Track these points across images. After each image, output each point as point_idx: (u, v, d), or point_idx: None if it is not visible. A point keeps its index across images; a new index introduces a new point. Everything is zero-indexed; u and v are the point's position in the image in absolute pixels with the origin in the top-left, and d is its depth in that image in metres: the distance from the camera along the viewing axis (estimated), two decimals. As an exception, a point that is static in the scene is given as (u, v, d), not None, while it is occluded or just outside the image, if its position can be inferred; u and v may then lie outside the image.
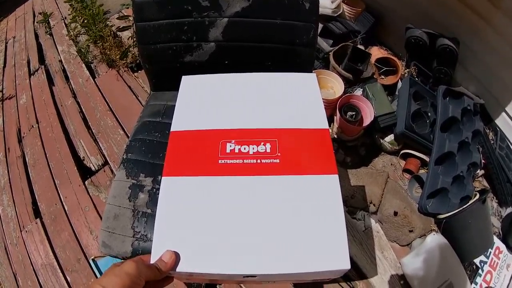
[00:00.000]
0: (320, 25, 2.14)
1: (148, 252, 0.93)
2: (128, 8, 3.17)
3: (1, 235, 2.13)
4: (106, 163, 2.20)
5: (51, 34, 3.48)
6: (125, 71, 2.68)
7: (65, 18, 3.56)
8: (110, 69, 2.76)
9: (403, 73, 2.26)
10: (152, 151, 1.13)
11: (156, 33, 1.16)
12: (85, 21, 2.97)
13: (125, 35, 2.87)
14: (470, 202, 1.75)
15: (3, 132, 2.74)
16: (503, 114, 2.00)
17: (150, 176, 1.08)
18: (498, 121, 2.06)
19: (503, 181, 1.93)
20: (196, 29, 1.13)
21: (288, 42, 1.11)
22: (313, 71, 1.91)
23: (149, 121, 1.20)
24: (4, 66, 3.47)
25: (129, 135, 2.12)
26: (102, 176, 2.13)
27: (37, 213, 2.12)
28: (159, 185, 1.00)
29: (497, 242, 1.81)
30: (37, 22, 3.78)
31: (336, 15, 2.35)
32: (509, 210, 1.91)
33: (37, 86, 2.95)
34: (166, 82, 1.27)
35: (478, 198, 1.75)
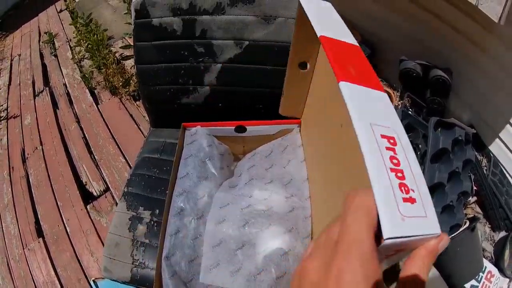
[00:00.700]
0: None
1: (146, 278, 1.06)
2: (131, 37, 3.15)
3: (3, 250, 2.22)
4: (107, 189, 2.28)
5: (55, 56, 3.59)
6: (127, 99, 2.76)
7: (70, 40, 3.66)
8: (113, 96, 2.83)
9: (396, 104, 2.34)
10: (151, 186, 1.23)
11: (155, 75, 1.26)
12: (89, 46, 3.06)
13: (128, 63, 2.94)
14: (459, 230, 1.81)
15: (7, 151, 2.85)
16: (497, 139, 2.05)
17: (148, 209, 1.18)
18: (491, 147, 2.11)
19: (495, 207, 2.00)
20: (192, 74, 1.23)
21: (278, 87, 1.20)
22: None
23: (148, 157, 1.31)
24: (9, 84, 3.59)
25: (129, 162, 2.30)
26: (104, 201, 2.22)
27: (39, 233, 2.21)
28: (157, 218, 1.15)
29: (489, 266, 1.86)
30: (42, 42, 3.90)
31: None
32: (501, 234, 1.97)
33: (42, 108, 3.05)
34: (165, 120, 1.37)
35: (466, 226, 1.82)
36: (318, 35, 0.58)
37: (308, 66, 0.85)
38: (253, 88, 1.24)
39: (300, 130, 1.04)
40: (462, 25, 1.89)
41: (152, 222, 1.16)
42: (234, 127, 1.03)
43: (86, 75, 3.06)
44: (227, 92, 1.25)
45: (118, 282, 1.12)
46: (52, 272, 2.01)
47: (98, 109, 2.81)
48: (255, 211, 0.84)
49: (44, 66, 3.56)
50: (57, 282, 1.97)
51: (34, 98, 3.21)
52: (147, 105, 1.36)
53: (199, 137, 1.03)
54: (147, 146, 1.37)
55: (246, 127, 1.03)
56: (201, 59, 1.22)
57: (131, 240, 1.14)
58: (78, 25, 3.26)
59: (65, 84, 3.19)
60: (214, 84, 1.24)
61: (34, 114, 3.04)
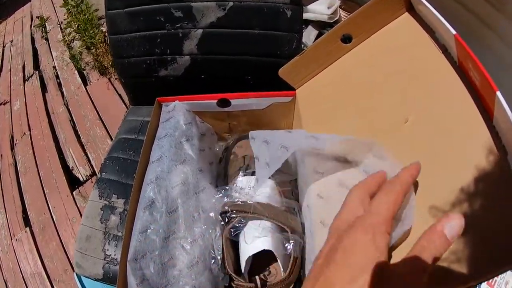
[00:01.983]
0: (315, 32, 2.06)
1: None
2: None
3: None
4: (94, 173, 2.15)
5: (46, 39, 3.43)
6: (116, 78, 2.61)
7: (61, 22, 3.49)
8: (102, 76, 2.69)
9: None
10: (126, 171, 1.07)
11: (129, 46, 1.09)
12: (79, 27, 2.91)
13: (118, 42, 2.76)
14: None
15: None
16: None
17: (122, 197, 1.02)
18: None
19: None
20: (169, 42, 1.06)
21: (268, 54, 1.03)
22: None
23: (125, 138, 1.14)
24: (0, 71, 3.43)
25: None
26: (90, 187, 2.08)
27: (26, 222, 2.09)
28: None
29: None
30: (34, 26, 3.73)
31: (332, 21, 2.26)
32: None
33: (31, 92, 2.91)
34: (143, 96, 1.20)
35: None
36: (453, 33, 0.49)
37: (352, 42, 0.72)
38: (240, 56, 1.06)
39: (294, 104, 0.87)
40: (473, 4, 1.71)
41: (126, 212, 0.98)
42: (216, 101, 0.85)
43: (75, 56, 2.91)
44: (209, 61, 1.07)
45: (91, 279, 0.96)
46: (39, 263, 1.89)
47: (87, 90, 2.66)
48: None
49: (35, 50, 3.40)
50: (43, 273, 1.85)
51: (24, 83, 3.06)
52: (123, 80, 1.18)
53: (176, 113, 0.86)
54: (124, 126, 1.20)
55: (230, 100, 0.85)
56: (179, 25, 1.04)
57: (103, 233, 0.98)
58: (69, 7, 3.07)
59: (54, 67, 3.04)
60: (195, 53, 1.06)
61: (23, 98, 2.89)
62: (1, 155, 2.56)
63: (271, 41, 1.02)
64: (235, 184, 0.76)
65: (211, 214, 0.69)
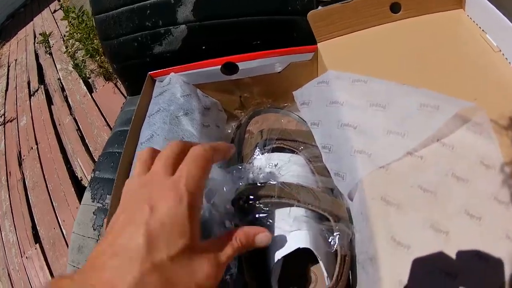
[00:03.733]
0: None
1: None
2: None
3: (3, 260, 1.98)
4: (102, 182, 1.96)
5: (50, 54, 3.29)
6: (122, 83, 2.43)
7: (64, 36, 3.34)
8: (107, 82, 2.54)
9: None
10: (122, 167, 0.86)
11: (116, 24, 0.89)
12: (81, 36, 2.75)
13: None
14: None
15: (5, 156, 2.57)
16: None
17: (118, 198, 0.82)
18: None
19: None
20: (161, 12, 0.86)
21: (278, 11, 0.81)
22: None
23: (121, 131, 0.94)
24: (7, 90, 3.30)
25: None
26: (98, 196, 1.90)
27: (36, 238, 1.95)
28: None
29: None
30: (37, 43, 3.61)
31: None
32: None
33: (37, 107, 2.78)
34: (139, 82, 0.99)
35: None
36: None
37: (401, 12, 0.63)
38: (244, 18, 0.84)
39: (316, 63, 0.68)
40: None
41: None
42: (220, 66, 0.66)
43: (79, 65, 2.77)
44: (209, 28, 0.85)
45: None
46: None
47: (92, 98, 2.50)
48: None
49: (39, 66, 3.26)
50: None
51: (30, 98, 2.93)
52: (115, 66, 0.98)
53: (172, 86, 0.67)
54: (120, 118, 1.01)
55: (238, 64, 0.66)
56: (170, -10, 0.83)
57: (96, 241, 0.78)
58: (70, 19, 2.92)
59: (59, 79, 2.89)
60: (191, 21, 0.84)
61: (30, 114, 2.76)
62: (10, 172, 2.43)
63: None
64: (251, 164, 0.56)
65: (220, 203, 0.48)
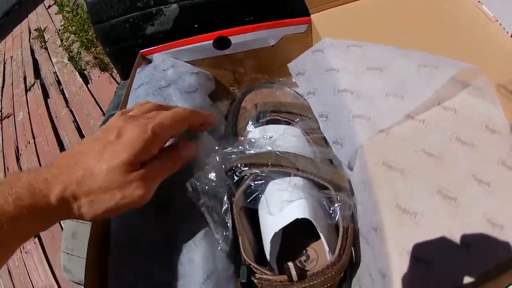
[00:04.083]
0: None
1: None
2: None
3: None
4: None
5: (46, 48, 3.28)
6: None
7: (59, 30, 3.32)
8: (103, 72, 2.54)
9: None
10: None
11: (108, 6, 0.86)
12: (76, 28, 2.74)
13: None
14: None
15: (2, 152, 2.56)
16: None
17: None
18: None
19: None
20: (152, -10, 0.83)
21: None
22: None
23: (112, 115, 0.91)
24: (3, 86, 3.29)
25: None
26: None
27: None
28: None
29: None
30: (32, 39, 3.59)
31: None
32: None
33: (33, 101, 2.77)
34: (132, 66, 0.96)
35: None
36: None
37: None
38: None
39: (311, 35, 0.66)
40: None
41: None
42: (212, 41, 0.64)
43: (74, 57, 2.77)
44: (201, 6, 0.82)
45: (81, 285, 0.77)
46: (50, 274, 1.71)
47: (88, 89, 2.50)
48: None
49: (35, 61, 3.25)
50: (55, 286, 1.67)
51: (26, 93, 2.92)
52: (107, 49, 0.95)
53: (154, 61, 0.65)
54: (112, 102, 0.99)
55: (230, 38, 0.63)
56: (161, -33, 0.81)
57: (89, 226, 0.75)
58: (64, 13, 2.90)
59: (55, 72, 2.89)
60: (182, -1, 0.82)
61: (27, 109, 2.76)
62: (7, 167, 2.42)
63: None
64: (245, 137, 0.53)
65: (215, 177, 0.46)
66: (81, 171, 0.36)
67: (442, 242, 0.36)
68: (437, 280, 0.35)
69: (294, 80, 0.60)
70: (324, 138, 0.52)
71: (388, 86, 0.46)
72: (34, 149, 2.34)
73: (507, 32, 0.50)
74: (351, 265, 0.45)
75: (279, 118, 0.56)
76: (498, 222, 0.36)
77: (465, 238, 0.36)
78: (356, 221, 0.45)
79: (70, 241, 0.78)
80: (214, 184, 0.45)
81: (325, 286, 0.40)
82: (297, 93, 0.63)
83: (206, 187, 0.44)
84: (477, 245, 0.35)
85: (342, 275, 0.42)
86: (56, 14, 3.03)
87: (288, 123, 0.56)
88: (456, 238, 0.36)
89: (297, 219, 0.41)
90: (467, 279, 0.34)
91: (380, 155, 0.41)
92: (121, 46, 0.92)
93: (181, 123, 0.43)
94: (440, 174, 0.39)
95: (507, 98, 0.44)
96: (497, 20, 0.52)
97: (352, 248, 0.45)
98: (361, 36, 0.55)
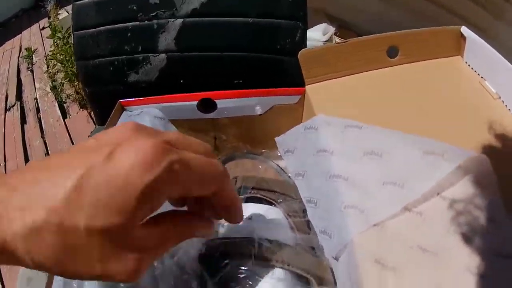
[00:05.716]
0: (332, 29, 1.87)
1: None
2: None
3: None
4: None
5: (32, 71, 3.22)
6: (97, 111, 2.37)
7: (48, 55, 3.27)
8: (82, 110, 2.49)
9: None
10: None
11: (94, 43, 0.82)
12: (63, 58, 2.71)
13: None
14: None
15: None
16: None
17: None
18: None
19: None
20: (142, 36, 0.78)
21: (265, 49, 0.75)
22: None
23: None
24: (-16, 99, 3.17)
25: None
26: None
27: None
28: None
29: None
30: (21, 57, 3.54)
31: (327, 47, 2.06)
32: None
33: (11, 122, 2.69)
34: (110, 112, 0.90)
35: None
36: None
37: (398, 57, 0.60)
38: (228, 53, 0.76)
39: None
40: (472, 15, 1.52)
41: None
42: (197, 102, 0.59)
43: (56, 87, 2.72)
44: (190, 60, 0.78)
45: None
46: None
47: (65, 123, 2.45)
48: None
49: (19, 81, 3.19)
50: None
51: (5, 112, 2.83)
52: (87, 90, 0.90)
53: (141, 118, 0.60)
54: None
55: (216, 101, 0.59)
56: (154, 14, 0.77)
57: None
58: (55, 39, 2.87)
59: (36, 99, 2.83)
60: (172, 50, 0.77)
61: (3, 129, 2.66)
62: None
63: (269, 31, 0.74)
64: (222, 218, 0.48)
65: (185, 260, 0.40)
66: (41, 213, 0.23)
67: None
68: None
69: (279, 155, 0.56)
70: (307, 222, 0.47)
71: (386, 173, 0.43)
72: (3, 172, 2.23)
73: (509, 109, 0.49)
74: None
75: (260, 196, 0.51)
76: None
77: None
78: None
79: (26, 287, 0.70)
80: (181, 270, 0.39)
81: None
82: (281, 169, 0.58)
83: (167, 273, 0.39)
84: None
85: None
86: (47, 38, 3.00)
87: (270, 203, 0.51)
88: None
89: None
90: None
91: (372, 251, 0.38)
92: (102, 89, 0.87)
93: (211, 180, 0.29)
94: (437, 271, 0.37)
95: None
96: (500, 97, 0.51)
97: None
98: (359, 113, 0.52)
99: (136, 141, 0.25)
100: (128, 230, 0.25)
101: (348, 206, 0.42)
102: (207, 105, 0.61)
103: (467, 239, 0.38)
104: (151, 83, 0.81)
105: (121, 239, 0.25)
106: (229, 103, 0.60)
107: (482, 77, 0.54)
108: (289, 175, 0.55)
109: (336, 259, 0.42)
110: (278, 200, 0.51)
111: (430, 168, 0.42)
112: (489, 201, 0.39)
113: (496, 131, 0.48)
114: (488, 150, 0.44)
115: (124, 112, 0.65)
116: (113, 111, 0.64)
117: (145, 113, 0.62)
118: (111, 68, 0.82)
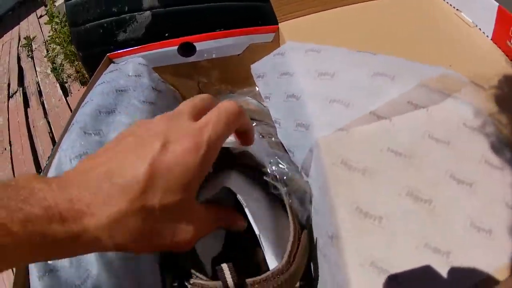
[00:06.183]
0: None
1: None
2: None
3: None
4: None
5: (32, 57, 3.25)
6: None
7: (47, 41, 3.29)
8: (83, 87, 2.51)
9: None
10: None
11: (84, 10, 0.86)
12: (62, 40, 2.73)
13: (101, 52, 2.59)
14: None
15: None
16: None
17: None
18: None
19: None
20: (128, -3, 0.82)
21: None
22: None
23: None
24: (-13, 90, 3.20)
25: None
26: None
27: None
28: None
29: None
30: (20, 47, 3.55)
31: None
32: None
33: (14, 108, 2.73)
34: (103, 73, 0.95)
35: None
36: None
37: None
38: (209, 4, 0.80)
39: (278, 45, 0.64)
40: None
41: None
42: (177, 47, 0.63)
43: (57, 68, 2.75)
44: (174, 15, 0.81)
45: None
46: None
47: (67, 102, 2.47)
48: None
49: (20, 69, 3.21)
50: None
51: (8, 100, 2.86)
52: (81, 54, 0.94)
53: (124, 66, 0.63)
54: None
55: (195, 44, 0.62)
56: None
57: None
58: (53, 24, 2.88)
59: (37, 82, 2.85)
60: (156, 6, 0.81)
61: (7, 115, 2.70)
62: (-19, 172, 2.34)
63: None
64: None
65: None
66: (122, 204, 0.27)
67: (414, 251, 0.33)
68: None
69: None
70: (280, 144, 0.50)
71: (334, 92, 0.44)
72: (9, 156, 2.29)
73: (487, 36, 0.51)
74: (310, 283, 0.43)
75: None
76: (484, 226, 0.33)
77: (443, 245, 0.32)
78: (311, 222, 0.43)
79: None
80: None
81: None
82: (261, 104, 0.61)
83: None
84: (460, 253, 0.32)
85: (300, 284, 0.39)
86: (45, 24, 3.01)
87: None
88: (432, 245, 0.33)
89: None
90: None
91: (338, 154, 0.39)
92: (94, 52, 0.91)
93: (235, 125, 0.34)
94: (410, 174, 0.37)
95: (485, 92, 0.43)
96: (476, 25, 0.52)
97: (312, 264, 0.42)
98: (331, 45, 0.53)
99: (178, 133, 0.30)
100: (191, 204, 0.31)
101: (298, 124, 0.45)
102: (187, 49, 0.64)
103: (446, 144, 0.38)
104: (139, 40, 0.84)
105: (186, 211, 0.30)
106: (207, 45, 0.63)
107: (457, 9, 0.55)
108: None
109: (307, 174, 0.45)
110: (253, 124, 0.54)
111: (377, 89, 0.43)
112: (467, 111, 0.40)
113: (472, 50, 0.50)
114: (462, 64, 0.45)
115: (112, 64, 0.68)
116: (101, 64, 0.67)
117: (129, 61, 0.65)
118: (101, 30, 0.86)
